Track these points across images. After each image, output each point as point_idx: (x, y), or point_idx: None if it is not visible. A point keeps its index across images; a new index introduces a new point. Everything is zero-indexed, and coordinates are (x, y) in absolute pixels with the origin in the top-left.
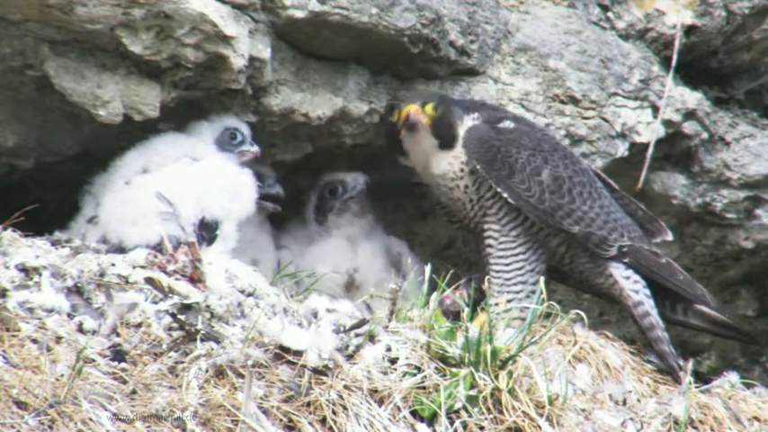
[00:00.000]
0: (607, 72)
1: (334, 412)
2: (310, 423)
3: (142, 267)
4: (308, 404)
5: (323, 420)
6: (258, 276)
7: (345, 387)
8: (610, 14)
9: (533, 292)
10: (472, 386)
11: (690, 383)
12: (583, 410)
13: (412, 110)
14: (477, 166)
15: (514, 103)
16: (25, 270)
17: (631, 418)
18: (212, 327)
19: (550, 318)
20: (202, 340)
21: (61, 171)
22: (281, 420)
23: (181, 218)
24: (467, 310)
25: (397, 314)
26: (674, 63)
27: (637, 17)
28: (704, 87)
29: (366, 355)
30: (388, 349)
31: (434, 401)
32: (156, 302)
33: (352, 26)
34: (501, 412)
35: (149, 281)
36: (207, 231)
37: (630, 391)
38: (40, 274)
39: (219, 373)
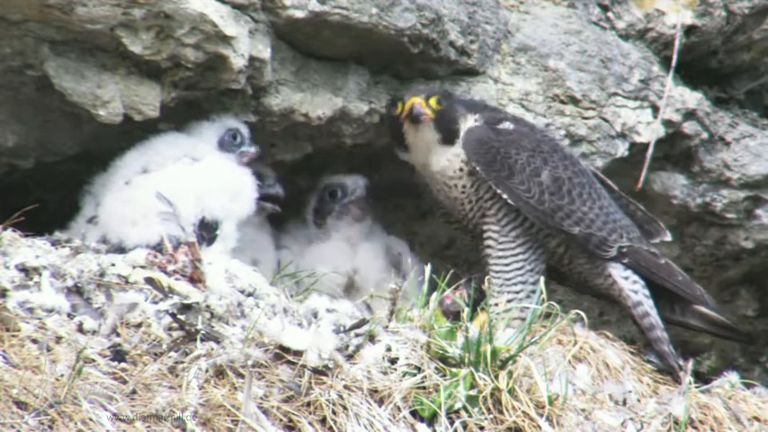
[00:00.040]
0: (607, 72)
1: (334, 412)
2: (310, 423)
3: (142, 267)
4: (308, 404)
5: (323, 420)
6: (258, 276)
7: (345, 387)
8: (610, 14)
9: (533, 291)
10: (472, 386)
11: (690, 383)
12: (583, 410)
13: (416, 102)
14: (477, 168)
15: (514, 103)
16: (25, 270)
17: (631, 418)
18: (212, 327)
19: (550, 318)
20: (202, 340)
21: (61, 171)
22: (281, 420)
23: (181, 218)
24: (467, 310)
25: (397, 314)
26: (674, 63)
27: (637, 17)
28: (704, 87)
29: (366, 355)
30: (388, 349)
31: (434, 401)
32: (156, 302)
33: (352, 26)
34: (501, 412)
35: (149, 281)
36: (207, 231)
37: (630, 391)
38: (40, 274)
39: (219, 373)
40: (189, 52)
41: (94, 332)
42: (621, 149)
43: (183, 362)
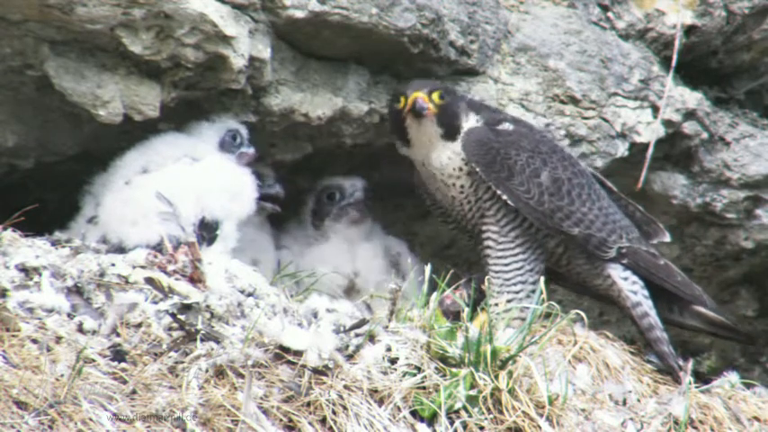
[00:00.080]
0: (607, 72)
1: (334, 412)
2: (310, 423)
3: (142, 267)
4: (308, 404)
5: (323, 420)
6: (258, 276)
7: (345, 387)
8: (610, 14)
9: (533, 291)
10: (472, 386)
11: (690, 383)
12: (583, 410)
13: (419, 97)
14: (477, 168)
15: (514, 103)
16: (25, 270)
17: (631, 418)
18: (212, 327)
19: (550, 318)
20: (202, 340)
21: (61, 171)
22: (281, 420)
23: (181, 218)
24: (467, 310)
25: (397, 314)
26: (674, 63)
27: (637, 17)
28: (704, 87)
29: (366, 355)
30: (388, 349)
31: (434, 401)
32: (156, 302)
33: (352, 26)
34: (501, 412)
35: (149, 281)
36: (207, 231)
37: (630, 391)
38: (40, 274)
39: (219, 373)
40: (189, 52)
41: (94, 332)
42: (621, 149)
43: (183, 362)
